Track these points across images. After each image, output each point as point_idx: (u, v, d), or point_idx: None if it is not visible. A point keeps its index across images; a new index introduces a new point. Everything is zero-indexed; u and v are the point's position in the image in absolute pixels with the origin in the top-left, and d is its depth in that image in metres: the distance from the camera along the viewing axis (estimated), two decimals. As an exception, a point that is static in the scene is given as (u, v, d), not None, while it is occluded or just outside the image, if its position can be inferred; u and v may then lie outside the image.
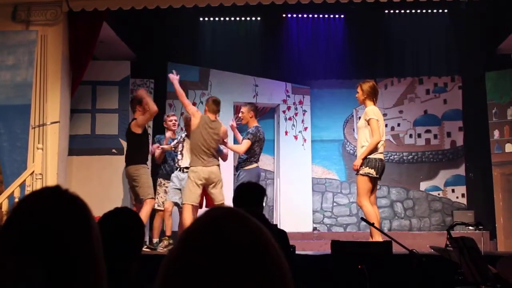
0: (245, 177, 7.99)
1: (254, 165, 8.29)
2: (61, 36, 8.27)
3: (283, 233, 4.50)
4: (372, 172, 7.13)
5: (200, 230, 1.11)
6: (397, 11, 11.25)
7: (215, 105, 8.14)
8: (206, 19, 11.39)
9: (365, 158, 7.17)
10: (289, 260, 1.17)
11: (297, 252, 6.22)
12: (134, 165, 8.29)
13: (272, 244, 1.12)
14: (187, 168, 8.19)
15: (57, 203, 1.32)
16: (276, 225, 7.42)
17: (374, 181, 7.25)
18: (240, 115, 8.59)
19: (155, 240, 8.52)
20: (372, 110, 7.30)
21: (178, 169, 8.54)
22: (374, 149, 7.20)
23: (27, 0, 8.25)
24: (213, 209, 1.16)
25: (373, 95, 7.43)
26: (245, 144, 8.22)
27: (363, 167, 7.17)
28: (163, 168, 8.92)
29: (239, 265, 1.06)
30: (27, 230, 1.27)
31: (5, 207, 7.21)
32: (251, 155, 8.27)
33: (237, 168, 8.40)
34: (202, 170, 7.85)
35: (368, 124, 7.23)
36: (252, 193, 4.78)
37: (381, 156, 7.27)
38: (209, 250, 1.07)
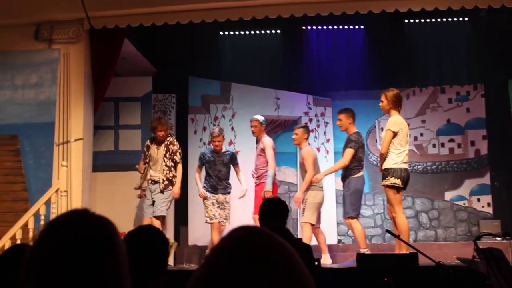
0: (356, 184, 8.03)
1: (361, 172, 8.17)
2: (83, 54, 8.36)
3: (307, 247, 4.49)
4: (398, 182, 7.10)
5: (226, 249, 1.11)
6: (417, 20, 11.21)
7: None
8: (226, 33, 11.44)
9: (389, 169, 7.15)
10: (314, 275, 1.16)
11: (322, 265, 6.19)
12: None
13: (297, 262, 1.12)
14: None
15: (84, 225, 1.34)
16: (301, 239, 7.39)
17: (400, 191, 7.22)
18: (338, 123, 8.46)
19: None
20: (392, 121, 7.27)
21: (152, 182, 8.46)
22: (381, 160, 7.33)
23: (49, 19, 8.36)
24: (238, 228, 1.16)
25: (398, 104, 7.39)
26: (349, 154, 8.06)
27: (389, 177, 7.13)
28: (208, 181, 8.73)
29: (264, 284, 1.06)
30: (55, 251, 1.29)
31: (31, 225, 7.27)
32: (358, 162, 8.15)
33: (344, 176, 8.23)
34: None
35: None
36: (276, 209, 4.82)
37: (405, 166, 7.24)
38: (234, 269, 1.07)
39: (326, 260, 8.23)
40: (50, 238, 1.33)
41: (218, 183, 8.67)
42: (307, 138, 8.76)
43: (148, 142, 8.54)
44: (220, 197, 8.65)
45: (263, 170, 8.66)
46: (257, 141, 9.04)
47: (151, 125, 8.56)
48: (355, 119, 8.38)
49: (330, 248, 8.85)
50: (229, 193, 8.75)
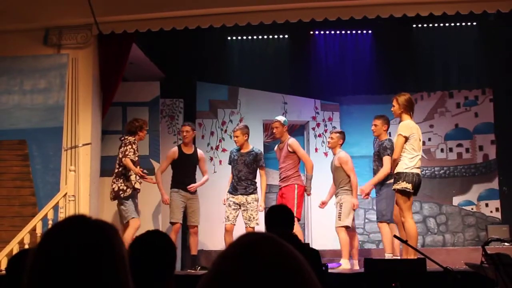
0: (388, 191, 7.95)
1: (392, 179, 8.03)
2: (92, 59, 8.41)
3: (315, 252, 4.48)
4: (409, 187, 7.04)
5: (233, 255, 1.11)
6: (425, 25, 11.20)
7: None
8: (234, 38, 11.46)
9: (401, 173, 7.10)
10: (321, 280, 1.17)
11: (329, 270, 6.17)
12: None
13: (305, 268, 1.12)
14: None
15: (80, 230, 1.38)
16: (308, 244, 7.39)
17: (410, 196, 7.18)
18: (373, 128, 8.34)
19: None
20: (403, 126, 7.22)
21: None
22: (394, 165, 7.25)
23: (58, 24, 8.41)
24: (246, 234, 1.17)
25: (409, 108, 7.34)
26: (389, 161, 7.96)
27: (400, 181, 7.10)
28: (232, 181, 8.69)
29: (272, 290, 1.06)
30: (53, 256, 1.33)
31: (39, 230, 7.29)
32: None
33: (380, 184, 8.18)
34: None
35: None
36: (282, 216, 4.83)
37: (418, 171, 7.18)
38: (242, 275, 1.07)
39: (354, 266, 8.36)
40: (48, 243, 1.36)
41: (238, 183, 8.58)
42: (341, 144, 8.72)
43: (137, 144, 8.38)
44: (240, 197, 8.53)
45: (290, 173, 8.51)
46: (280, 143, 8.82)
47: (137, 124, 8.40)
48: (389, 126, 8.46)
49: (340, 253, 8.81)
50: (251, 193, 8.56)
